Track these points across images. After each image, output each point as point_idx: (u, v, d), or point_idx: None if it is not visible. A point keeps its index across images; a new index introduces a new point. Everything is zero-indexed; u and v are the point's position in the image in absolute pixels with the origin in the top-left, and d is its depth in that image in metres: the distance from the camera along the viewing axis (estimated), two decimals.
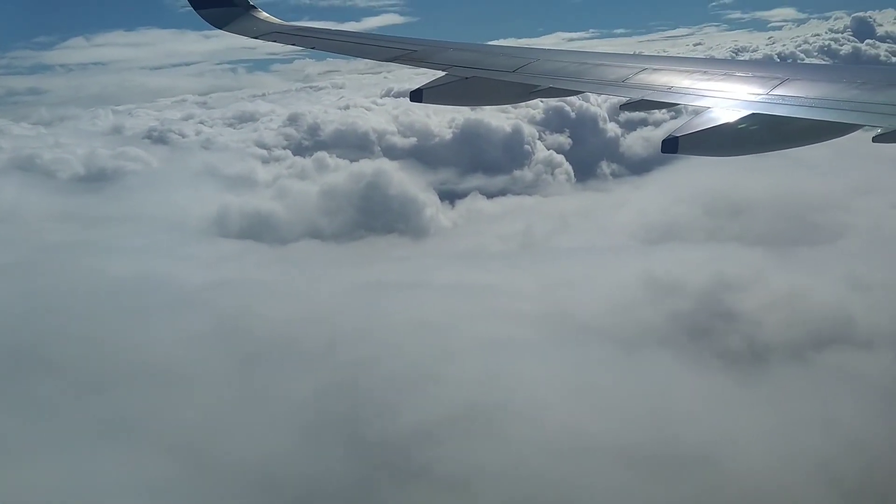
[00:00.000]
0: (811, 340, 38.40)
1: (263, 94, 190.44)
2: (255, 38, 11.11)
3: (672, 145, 5.91)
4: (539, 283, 45.95)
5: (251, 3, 11.63)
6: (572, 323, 39.16)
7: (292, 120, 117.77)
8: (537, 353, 33.83)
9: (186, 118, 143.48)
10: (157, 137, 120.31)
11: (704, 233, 66.43)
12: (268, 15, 11.65)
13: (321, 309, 39.59)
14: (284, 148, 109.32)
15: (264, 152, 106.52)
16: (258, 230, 73.66)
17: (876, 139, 5.35)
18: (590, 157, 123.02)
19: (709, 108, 6.32)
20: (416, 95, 8.28)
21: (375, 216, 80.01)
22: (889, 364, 35.92)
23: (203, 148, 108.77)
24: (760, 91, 6.30)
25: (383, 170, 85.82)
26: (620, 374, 32.78)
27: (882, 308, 41.83)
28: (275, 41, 10.86)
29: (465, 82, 8.18)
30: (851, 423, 29.53)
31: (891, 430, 30.07)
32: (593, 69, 7.78)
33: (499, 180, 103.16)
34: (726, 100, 6.38)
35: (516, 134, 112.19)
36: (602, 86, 7.54)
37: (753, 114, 6.02)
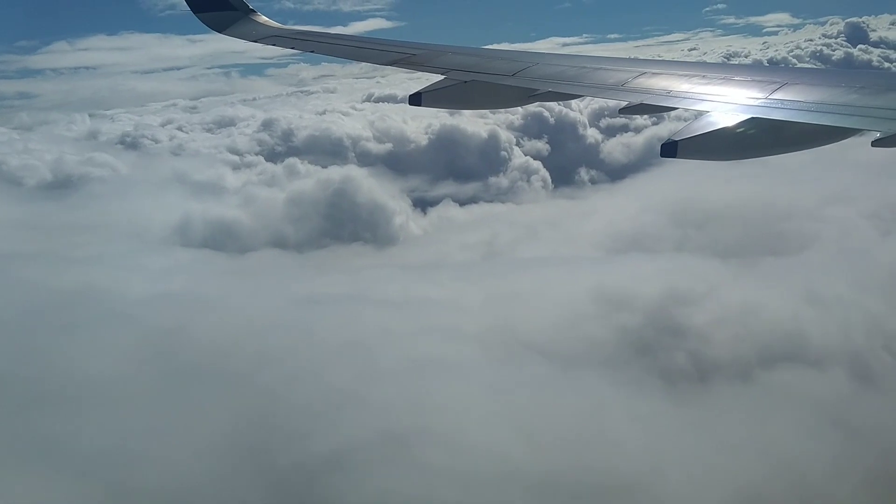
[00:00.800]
0: (760, 358, 37.26)
1: (254, 99, 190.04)
2: (254, 41, 11.01)
3: (671, 149, 5.91)
4: (489, 297, 44.69)
5: (249, 6, 11.64)
6: (513, 340, 37.90)
7: (266, 125, 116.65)
8: (469, 374, 32.55)
9: (166, 123, 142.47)
10: (130, 143, 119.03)
11: (670, 243, 65.35)
12: (266, 19, 11.64)
13: (257, 324, 38.28)
14: (257, 154, 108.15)
15: (236, 158, 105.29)
16: (220, 239, 72.44)
17: (875, 143, 5.29)
18: (568, 163, 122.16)
19: (708, 112, 6.29)
20: (416, 99, 8.24)
21: (342, 224, 78.85)
22: (835, 383, 34.82)
23: (174, 154, 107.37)
24: (759, 95, 6.29)
25: (352, 177, 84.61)
26: (553, 395, 31.53)
27: (836, 324, 40.77)
28: (273, 45, 10.82)
29: (464, 86, 8.14)
30: (788, 446, 28.38)
31: (828, 453, 28.98)
32: (592, 73, 7.77)
33: (473, 187, 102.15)
34: (725, 104, 6.35)
35: (493, 140, 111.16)
36: (601, 89, 7.49)
37: (752, 118, 5.98)
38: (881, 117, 5.51)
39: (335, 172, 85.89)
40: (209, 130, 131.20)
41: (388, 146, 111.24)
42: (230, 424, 29.79)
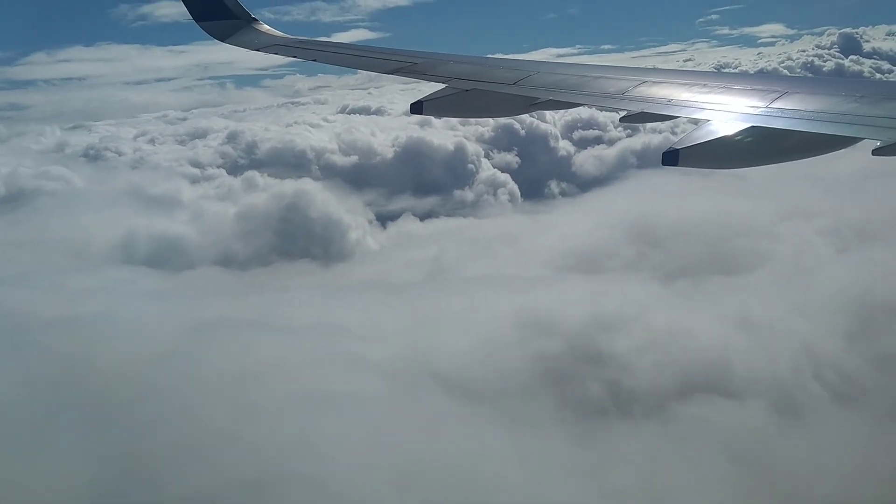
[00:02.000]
0: (679, 388, 35.37)
1: (244, 110, 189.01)
2: (256, 50, 10.96)
3: (672, 158, 5.90)
4: (411, 321, 42.75)
5: (251, 15, 11.55)
6: (420, 369, 35.92)
7: (231, 138, 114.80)
8: (357, 409, 30.52)
9: (140, 135, 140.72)
10: (93, 156, 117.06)
11: (622, 261, 63.52)
12: (268, 27, 11.62)
13: (155, 351, 36.27)
14: (219, 167, 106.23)
15: (197, 171, 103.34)
16: (163, 256, 70.46)
17: (875, 152, 5.36)
18: (539, 175, 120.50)
19: (708, 120, 6.28)
20: (417, 107, 8.19)
21: (293, 240, 76.87)
22: (753, 417, 32.94)
23: (134, 167, 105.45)
24: (760, 104, 6.33)
25: (305, 191, 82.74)
26: (443, 435, 29.54)
27: (767, 352, 38.93)
28: (275, 53, 10.78)
29: (466, 94, 8.15)
30: (681, 489, 26.43)
31: (728, 494, 27.11)
32: (593, 82, 7.77)
33: (437, 201, 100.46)
34: (726, 112, 6.37)
35: (459, 153, 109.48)
36: (601, 98, 7.51)
37: (753, 126, 6.00)
38: (881, 126, 5.54)
39: (289, 186, 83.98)
40: (181, 142, 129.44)
41: (354, 159, 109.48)
42: (95, 461, 27.76)
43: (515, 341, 39.68)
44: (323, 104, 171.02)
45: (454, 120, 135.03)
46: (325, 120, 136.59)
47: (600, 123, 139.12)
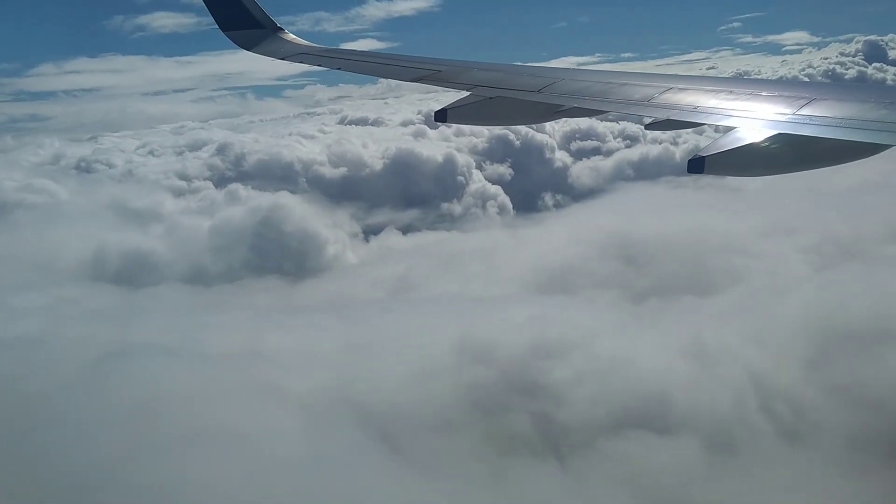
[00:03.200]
0: (611, 423, 33.33)
1: (261, 120, 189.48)
2: (282, 59, 11.05)
3: (698, 165, 5.84)
4: (347, 345, 41.09)
5: (277, 24, 11.56)
6: (341, 400, 34.20)
7: (221, 150, 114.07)
8: (256, 447, 28.83)
9: (142, 146, 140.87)
10: (84, 168, 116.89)
11: (594, 279, 61.43)
12: (294, 36, 11.59)
13: (61, 378, 34.86)
14: (206, 179, 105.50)
15: (183, 184, 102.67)
16: (131, 272, 69.52)
17: None
18: (534, 187, 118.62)
19: (735, 127, 6.18)
20: (441, 115, 8.13)
21: (267, 255, 75.55)
22: (683, 455, 30.82)
23: (121, 180, 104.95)
24: (787, 111, 6.21)
25: (283, 205, 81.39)
26: (345, 476, 27.76)
27: (714, 382, 36.76)
28: (301, 62, 10.84)
29: (490, 102, 8.10)
30: None
31: None
32: (618, 88, 7.70)
33: (424, 214, 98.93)
34: (752, 119, 6.26)
35: (449, 164, 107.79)
36: (627, 105, 7.36)
37: (780, 134, 5.93)
38: None
39: (266, 200, 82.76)
40: (180, 154, 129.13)
41: (343, 171, 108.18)
42: None
43: (451, 369, 37.83)
44: (338, 114, 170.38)
45: (448, 131, 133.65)
46: (321, 131, 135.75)
47: (599, 134, 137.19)
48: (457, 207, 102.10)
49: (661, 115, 6.98)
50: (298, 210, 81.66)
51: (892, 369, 35.00)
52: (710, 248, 65.26)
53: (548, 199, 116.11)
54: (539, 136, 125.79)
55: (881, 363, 35.98)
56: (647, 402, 34.56)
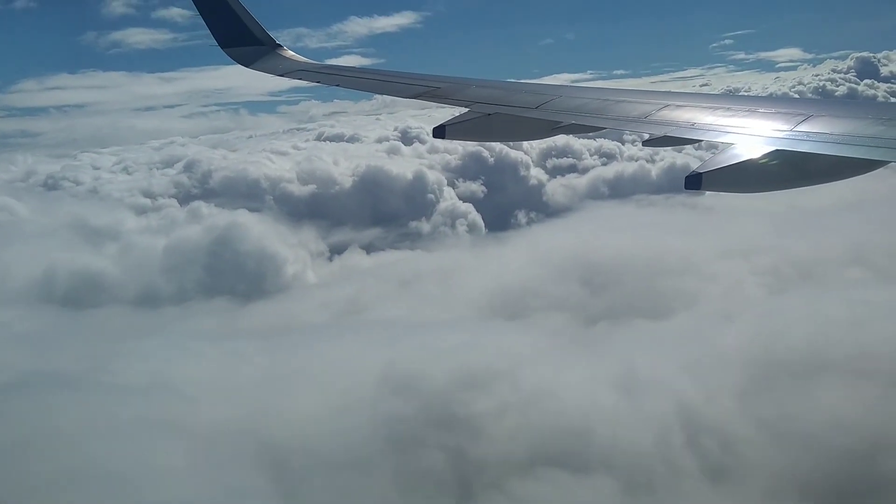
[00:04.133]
0: (527, 460, 31.73)
1: (249, 136, 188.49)
2: (281, 76, 11.08)
3: (695, 182, 5.85)
4: (269, 375, 39.49)
5: (276, 41, 11.67)
6: (246, 437, 32.52)
7: (188, 167, 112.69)
8: (134, 487, 27.14)
9: (119, 162, 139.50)
10: (51, 185, 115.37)
11: (548, 301, 59.97)
12: (293, 53, 11.68)
13: None
14: (172, 196, 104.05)
15: (147, 201, 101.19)
16: (80, 292, 67.83)
17: None
18: (508, 205, 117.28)
19: (732, 144, 6.22)
20: (439, 131, 8.19)
21: (221, 276, 73.85)
22: (595, 495, 29.20)
23: (84, 198, 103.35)
24: (784, 127, 6.24)
25: (240, 223, 79.80)
26: None
27: (642, 414, 35.20)
28: (300, 79, 10.90)
29: (488, 118, 8.17)
30: None
31: None
32: (615, 105, 7.73)
33: (391, 232, 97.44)
34: (750, 136, 6.31)
35: (419, 182, 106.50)
36: (624, 122, 7.48)
37: (777, 150, 5.96)
38: None
39: (224, 218, 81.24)
40: (153, 170, 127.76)
41: (312, 188, 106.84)
42: None
43: (370, 401, 36.23)
44: (331, 128, 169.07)
45: (422, 148, 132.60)
46: (296, 147, 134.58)
47: (575, 151, 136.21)
48: (425, 226, 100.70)
49: (659, 131, 6.98)
50: (257, 229, 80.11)
51: (823, 404, 33.51)
52: (670, 269, 63.93)
53: (521, 217, 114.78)
54: (514, 154, 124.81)
55: (813, 397, 34.50)
56: (567, 437, 32.98)
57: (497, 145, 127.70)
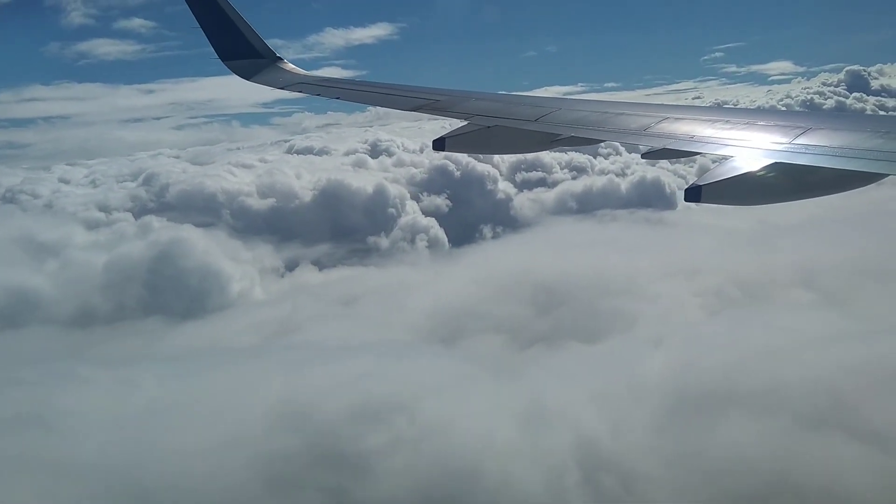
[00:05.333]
0: (414, 501, 29.83)
1: (238, 148, 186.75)
2: (281, 88, 11.16)
3: (695, 194, 5.88)
4: (160, 404, 37.53)
5: (277, 54, 11.77)
6: (116, 474, 30.56)
7: (147, 180, 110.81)
8: None
9: (89, 174, 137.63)
10: (9, 198, 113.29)
11: (485, 323, 58.23)
12: (293, 66, 11.79)
13: None
14: (127, 210, 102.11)
15: (102, 215, 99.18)
16: (14, 311, 65.77)
17: None
18: (473, 219, 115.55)
19: (731, 157, 6.24)
20: (439, 144, 8.23)
21: (162, 293, 71.88)
22: None
23: (37, 212, 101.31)
24: (783, 140, 6.28)
25: (184, 238, 77.86)
26: None
27: (537, 450, 33.40)
28: (300, 92, 10.92)
29: (488, 131, 8.21)
30: None
31: None
32: (615, 118, 7.76)
33: (348, 248, 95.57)
34: (749, 149, 6.31)
35: (379, 196, 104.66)
36: (624, 135, 7.51)
37: (776, 163, 5.97)
38: None
39: (167, 234, 79.33)
40: (121, 182, 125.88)
41: (271, 202, 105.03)
42: None
43: (257, 435, 34.29)
44: (302, 140, 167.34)
45: (388, 161, 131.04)
46: (263, 160, 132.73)
47: (545, 165, 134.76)
48: (384, 241, 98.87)
49: (658, 144, 7.01)
50: (203, 244, 78.12)
51: (727, 441, 31.77)
52: (616, 289, 62.22)
53: (486, 231, 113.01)
54: (481, 167, 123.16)
55: (718, 433, 32.76)
56: (456, 477, 31.10)
57: (464, 159, 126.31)
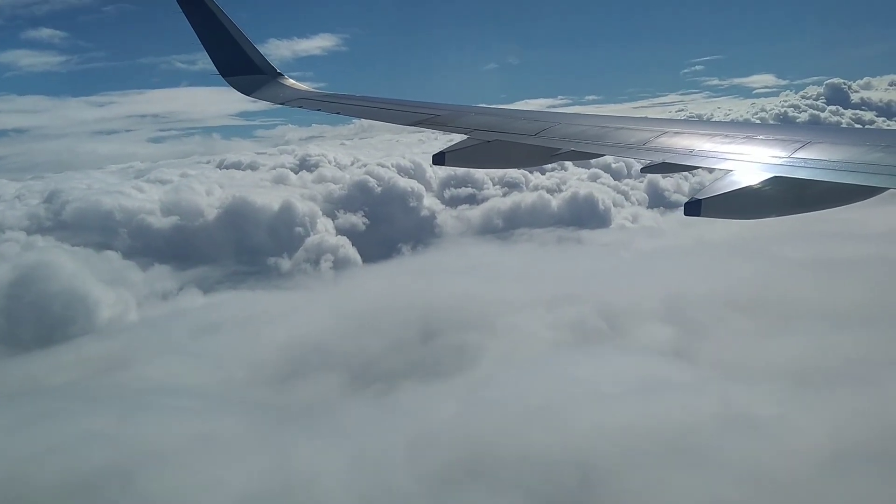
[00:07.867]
0: None
1: (207, 161, 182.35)
2: (281, 104, 11.18)
3: (695, 208, 5.79)
4: None
5: (277, 70, 11.82)
6: None
7: (51, 197, 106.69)
8: None
9: (20, 190, 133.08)
10: None
11: (331, 358, 54.74)
12: (293, 81, 11.84)
13: None
14: (22, 229, 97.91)
15: None
16: None
17: None
18: (393, 237, 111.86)
19: (731, 171, 6.20)
20: (439, 158, 8.24)
21: (16, 321, 67.96)
22: None
23: None
24: (782, 154, 6.26)
25: (50, 261, 73.92)
26: None
27: None
28: (301, 107, 10.99)
29: (487, 145, 8.29)
30: None
31: None
32: (614, 132, 7.81)
33: (242, 270, 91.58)
34: (748, 163, 6.29)
35: (285, 214, 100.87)
36: (623, 149, 7.50)
37: (775, 177, 5.93)
38: None
39: (29, 257, 75.42)
40: (46, 200, 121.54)
41: (174, 220, 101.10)
42: None
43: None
44: (290, 154, 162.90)
45: (308, 177, 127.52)
46: (184, 175, 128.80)
47: (476, 181, 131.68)
48: (286, 262, 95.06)
49: (658, 158, 6.96)
50: (71, 266, 74.17)
51: None
52: (477, 320, 58.93)
53: (405, 250, 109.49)
54: (403, 183, 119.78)
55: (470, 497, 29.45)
56: None
57: (386, 175, 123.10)
